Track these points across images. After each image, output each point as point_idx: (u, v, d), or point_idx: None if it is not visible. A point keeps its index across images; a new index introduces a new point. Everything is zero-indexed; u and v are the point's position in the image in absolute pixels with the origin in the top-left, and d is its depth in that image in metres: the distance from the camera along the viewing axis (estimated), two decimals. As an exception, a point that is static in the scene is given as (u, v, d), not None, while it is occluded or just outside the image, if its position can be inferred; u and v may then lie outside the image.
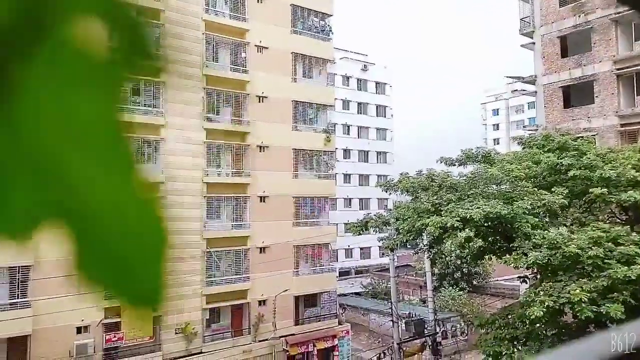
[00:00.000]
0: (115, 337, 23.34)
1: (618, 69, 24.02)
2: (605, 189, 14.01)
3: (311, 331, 29.69)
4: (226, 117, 28.15)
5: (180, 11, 26.31)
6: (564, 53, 26.59)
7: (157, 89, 25.49)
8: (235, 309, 27.87)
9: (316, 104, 31.77)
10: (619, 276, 11.49)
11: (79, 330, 22.81)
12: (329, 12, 32.80)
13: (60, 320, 21.98)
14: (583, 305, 11.38)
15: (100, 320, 23.17)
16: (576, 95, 26.43)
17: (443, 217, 13.31)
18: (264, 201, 28.83)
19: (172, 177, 25.59)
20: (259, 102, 29.12)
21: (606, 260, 12.20)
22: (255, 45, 29.10)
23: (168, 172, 25.45)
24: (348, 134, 55.86)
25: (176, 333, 25.27)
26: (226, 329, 27.52)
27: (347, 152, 55.52)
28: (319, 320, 30.75)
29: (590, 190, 14.29)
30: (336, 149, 37.14)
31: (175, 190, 25.61)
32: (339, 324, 31.66)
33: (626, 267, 11.64)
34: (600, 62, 24.69)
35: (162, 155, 25.42)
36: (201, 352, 25.85)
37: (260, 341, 27.72)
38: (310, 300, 31.16)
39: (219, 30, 27.81)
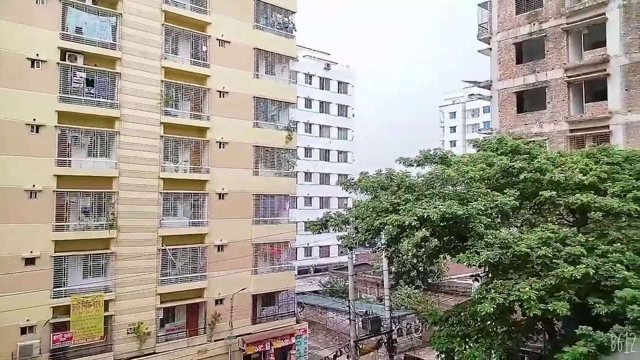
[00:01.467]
0: (63, 337, 22.40)
1: (569, 77, 25.08)
2: (554, 192, 14.55)
3: (269, 330, 29.53)
4: (185, 112, 27.52)
5: (139, 0, 25.51)
6: (519, 59, 27.50)
7: (112, 79, 24.61)
8: (191, 308, 27.33)
9: (278, 101, 31.58)
10: (566, 275, 11.96)
11: (23, 330, 21.73)
12: (293, 9, 32.65)
13: (2, 320, 20.90)
14: (532, 302, 11.79)
15: (48, 320, 22.18)
16: (529, 100, 27.42)
17: (401, 216, 13.46)
18: (223, 198, 28.40)
19: (127, 171, 24.81)
20: (220, 97, 28.64)
21: (554, 260, 12.67)
22: (217, 39, 28.60)
23: (123, 166, 24.66)
24: (310, 132, 55.92)
25: (128, 333, 24.53)
26: (181, 329, 26.95)
27: (308, 151, 55.57)
28: (277, 319, 30.61)
29: (540, 192, 14.81)
30: (297, 147, 37.02)
31: (130, 185, 24.84)
32: (297, 322, 31.62)
33: (572, 267, 12.12)
34: (552, 69, 25.71)
35: (117, 148, 24.57)
36: (154, 353, 25.21)
37: (216, 341, 27.31)
38: (268, 298, 30.97)
39: (179, 21, 27.15)
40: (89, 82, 24.09)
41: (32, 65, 22.39)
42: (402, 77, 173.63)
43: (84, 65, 23.86)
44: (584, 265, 12.08)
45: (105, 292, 23.69)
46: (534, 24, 26.55)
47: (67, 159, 23.24)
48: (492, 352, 14.00)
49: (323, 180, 57.01)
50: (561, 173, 14.73)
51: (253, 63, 30.31)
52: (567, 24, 25.15)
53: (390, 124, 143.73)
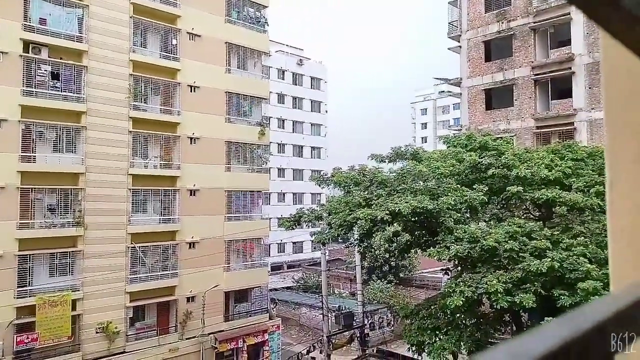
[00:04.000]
0: (28, 338, 21.74)
1: (535, 75, 25.73)
2: (521, 187, 14.96)
3: (241, 327, 29.36)
4: (155, 106, 26.99)
5: (105, -8, 24.84)
6: (488, 57, 28.05)
7: (78, 72, 23.91)
8: (161, 306, 26.92)
9: (250, 96, 31.30)
10: (532, 269, 12.32)
11: (-16, 332, 20.99)
12: (265, 3, 32.38)
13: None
14: (499, 295, 12.11)
15: (11, 321, 21.47)
16: (497, 98, 28.02)
17: (374, 211, 13.61)
18: (194, 195, 28.02)
19: (94, 167, 24.21)
20: (191, 91, 28.20)
21: (521, 254, 13.04)
22: (187, 33, 28.11)
23: (90, 162, 24.04)
24: (283, 128, 55.67)
25: (97, 332, 23.99)
26: (151, 327, 26.51)
27: (281, 147, 55.31)
28: (250, 316, 30.46)
29: (508, 188, 15.20)
30: (270, 142, 36.81)
31: (97, 182, 24.24)
32: (270, 318, 31.54)
33: (538, 261, 12.50)
34: (520, 67, 26.33)
35: (83, 144, 23.92)
36: (124, 352, 24.73)
37: (187, 339, 26.98)
38: (241, 295, 30.77)
39: (147, 14, 26.55)
40: (55, 76, 23.34)
41: (-7, 57, 21.55)
42: (391, 76, 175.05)
43: (49, 58, 23.10)
44: (549, 259, 12.45)
45: (72, 291, 23.09)
46: (503, 23, 27.10)
47: (31, 154, 22.50)
48: (461, 343, 14.31)
49: (296, 176, 56.92)
50: (527, 169, 15.13)
51: (225, 57, 29.92)
52: (534, 22, 25.77)
53: (370, 121, 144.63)
